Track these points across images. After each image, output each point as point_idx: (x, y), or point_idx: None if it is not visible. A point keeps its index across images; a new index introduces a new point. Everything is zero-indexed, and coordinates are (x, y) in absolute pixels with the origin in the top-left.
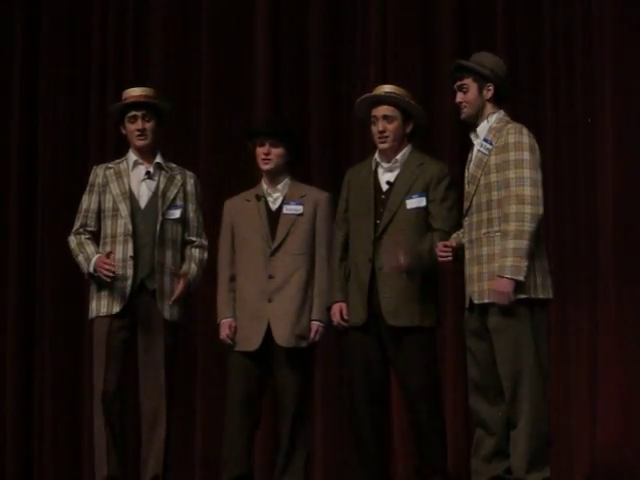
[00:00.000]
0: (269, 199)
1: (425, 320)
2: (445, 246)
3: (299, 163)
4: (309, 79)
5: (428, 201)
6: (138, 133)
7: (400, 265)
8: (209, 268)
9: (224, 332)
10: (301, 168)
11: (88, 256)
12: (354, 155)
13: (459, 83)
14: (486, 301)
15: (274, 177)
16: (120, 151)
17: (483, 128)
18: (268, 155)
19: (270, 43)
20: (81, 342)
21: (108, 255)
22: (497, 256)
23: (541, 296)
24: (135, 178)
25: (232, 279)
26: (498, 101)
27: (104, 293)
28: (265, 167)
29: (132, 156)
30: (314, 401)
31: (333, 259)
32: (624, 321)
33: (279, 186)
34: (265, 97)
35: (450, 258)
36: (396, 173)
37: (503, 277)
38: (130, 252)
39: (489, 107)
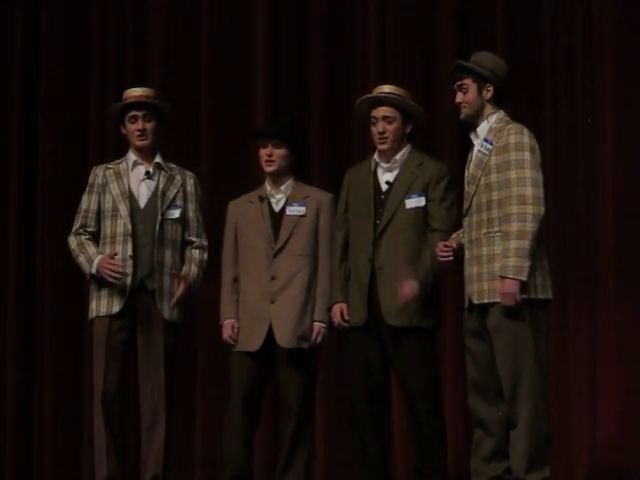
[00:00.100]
0: (272, 200)
1: (425, 320)
2: (445, 246)
3: (303, 164)
4: (309, 79)
5: (427, 201)
6: (138, 133)
7: (414, 296)
8: (209, 268)
9: (227, 333)
10: (301, 168)
11: (90, 257)
12: (354, 155)
13: (459, 83)
14: (486, 301)
15: (277, 178)
16: (120, 151)
17: (483, 128)
18: (271, 157)
19: (270, 43)
20: (81, 342)
21: (112, 256)
22: (498, 256)
23: (541, 296)
24: (135, 178)
25: (235, 280)
26: (498, 101)
27: (104, 293)
28: (268, 169)
29: (132, 156)
30: (314, 401)
31: (333, 259)
32: (624, 321)
33: (282, 187)
34: (265, 97)
35: (451, 258)
36: (395, 173)
37: (507, 278)
38: (129, 252)
39: (489, 107)
